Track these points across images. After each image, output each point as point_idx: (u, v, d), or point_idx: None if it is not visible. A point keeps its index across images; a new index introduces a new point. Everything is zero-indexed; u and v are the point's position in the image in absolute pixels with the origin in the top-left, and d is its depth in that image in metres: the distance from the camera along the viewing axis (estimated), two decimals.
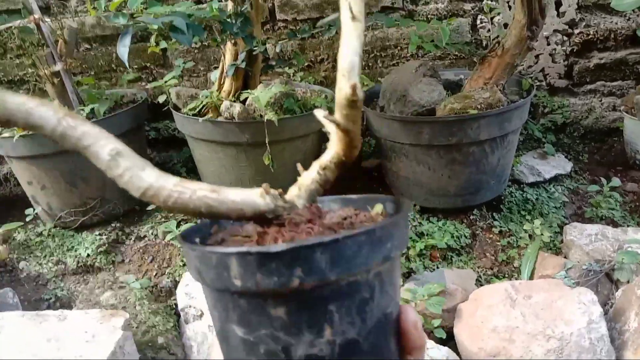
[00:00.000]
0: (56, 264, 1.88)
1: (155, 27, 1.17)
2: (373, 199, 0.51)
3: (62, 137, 0.40)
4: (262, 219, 0.44)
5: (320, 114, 0.45)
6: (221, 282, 0.38)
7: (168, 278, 1.80)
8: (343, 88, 0.41)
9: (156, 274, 1.84)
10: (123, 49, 1.10)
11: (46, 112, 0.40)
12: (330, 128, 0.44)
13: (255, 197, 0.43)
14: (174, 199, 0.41)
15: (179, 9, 1.27)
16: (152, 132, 2.50)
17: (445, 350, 1.36)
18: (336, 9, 2.24)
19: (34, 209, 2.00)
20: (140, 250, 1.94)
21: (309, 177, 0.46)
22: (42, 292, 1.80)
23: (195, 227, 0.47)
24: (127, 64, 1.17)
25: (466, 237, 1.84)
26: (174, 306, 1.71)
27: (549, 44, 2.30)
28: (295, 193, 0.46)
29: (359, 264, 0.38)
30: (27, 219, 2.00)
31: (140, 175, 0.41)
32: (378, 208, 0.50)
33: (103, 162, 0.41)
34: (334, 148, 0.44)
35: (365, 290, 0.40)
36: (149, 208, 2.04)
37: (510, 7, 2.25)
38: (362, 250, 0.38)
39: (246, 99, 1.78)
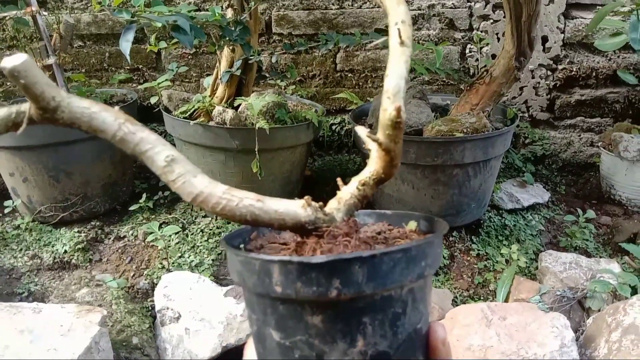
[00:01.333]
0: (32, 258, 1.85)
1: (159, 24, 1.18)
2: (407, 215, 0.53)
3: (122, 141, 0.43)
4: (302, 229, 0.46)
5: (362, 131, 0.48)
6: (262, 287, 0.41)
7: (146, 280, 1.78)
8: (388, 109, 0.43)
9: (134, 275, 1.82)
10: (126, 43, 1.11)
11: (108, 117, 0.43)
12: (371, 146, 0.47)
13: (297, 208, 0.46)
14: (222, 206, 0.44)
15: (182, 11, 1.29)
16: None
17: None
18: (331, 27, 2.29)
19: (14, 202, 1.97)
20: (119, 250, 1.92)
21: (348, 191, 0.48)
22: (15, 286, 1.76)
23: (236, 232, 0.50)
24: (128, 59, 1.18)
25: (445, 257, 1.87)
26: (150, 308, 1.69)
27: (533, 77, 2.38)
28: (335, 206, 0.48)
29: (394, 280, 0.40)
30: (6, 211, 1.97)
31: (192, 182, 0.44)
32: (412, 225, 0.52)
33: (159, 167, 0.43)
34: (374, 165, 0.47)
35: (398, 305, 0.42)
36: (131, 208, 2.03)
37: (499, 39, 2.33)
38: (397, 267, 0.40)
39: (238, 105, 1.80)
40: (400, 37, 0.45)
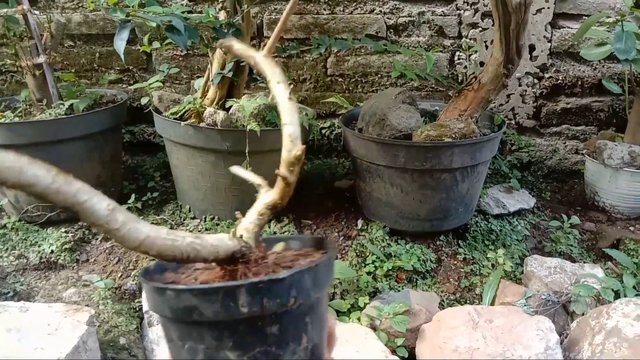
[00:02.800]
0: (17, 257, 1.83)
1: (154, 24, 1.19)
2: (275, 239, 0.60)
3: (57, 193, 0.41)
4: (231, 259, 0.51)
5: (244, 174, 0.59)
6: (226, 313, 0.44)
7: (133, 280, 1.77)
8: (293, 150, 0.53)
9: (121, 276, 1.81)
10: (120, 42, 1.12)
11: (39, 169, 0.40)
12: (260, 180, 0.57)
13: (226, 239, 0.51)
14: (167, 246, 0.46)
15: (176, 11, 1.30)
16: (127, 135, 2.49)
17: None
18: (322, 31, 2.31)
19: (0, 201, 1.95)
20: (106, 251, 1.91)
21: (250, 221, 0.55)
22: (0, 286, 1.74)
23: (151, 269, 0.53)
24: (123, 57, 1.19)
25: (432, 261, 1.88)
26: (137, 309, 1.69)
27: (520, 85, 2.42)
28: (246, 236, 0.53)
29: (323, 285, 0.49)
30: None
31: (138, 227, 0.44)
32: (279, 246, 0.59)
33: (101, 216, 0.43)
34: (272, 196, 0.55)
35: (323, 304, 0.51)
36: None
37: (487, 47, 2.36)
38: (326, 276, 0.49)
39: (230, 107, 1.81)
40: (289, 95, 0.56)
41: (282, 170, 0.53)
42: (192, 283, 0.51)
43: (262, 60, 0.59)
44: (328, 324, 0.54)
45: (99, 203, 0.43)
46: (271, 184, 0.57)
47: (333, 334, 0.55)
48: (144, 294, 1.41)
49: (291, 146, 0.53)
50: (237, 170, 0.59)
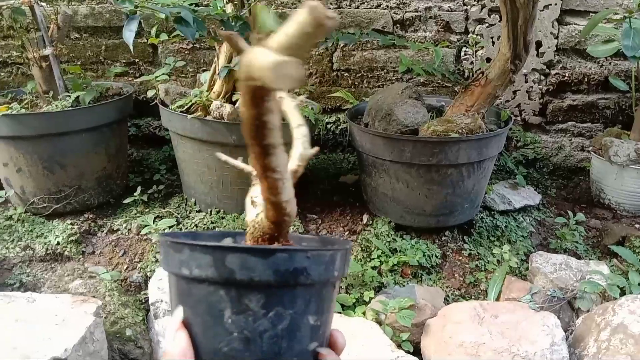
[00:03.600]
0: (24, 249, 1.83)
1: (163, 16, 1.18)
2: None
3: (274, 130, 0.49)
4: (278, 227, 0.57)
5: (231, 160, 0.69)
6: (326, 274, 0.50)
7: (139, 273, 1.78)
8: (308, 148, 0.63)
9: (127, 268, 1.82)
10: (129, 33, 1.12)
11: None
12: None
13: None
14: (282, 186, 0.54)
15: (184, 3, 1.29)
16: (132, 128, 2.49)
17: None
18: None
19: (6, 192, 1.95)
20: (112, 243, 1.91)
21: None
22: (7, 277, 1.75)
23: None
24: (132, 48, 1.19)
25: (437, 257, 1.88)
26: (143, 301, 1.69)
27: (526, 82, 2.42)
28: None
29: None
30: None
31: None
32: (227, 241, 0.64)
33: (282, 164, 0.54)
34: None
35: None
36: (125, 201, 2.03)
37: (493, 42, 2.36)
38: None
39: (236, 101, 1.81)
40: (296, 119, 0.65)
41: (296, 163, 0.60)
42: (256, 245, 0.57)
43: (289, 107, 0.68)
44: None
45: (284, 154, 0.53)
46: None
47: (336, 343, 0.55)
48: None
49: (307, 144, 0.61)
50: (225, 157, 0.64)
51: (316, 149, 0.61)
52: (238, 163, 0.65)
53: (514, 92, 2.43)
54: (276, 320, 0.47)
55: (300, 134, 0.61)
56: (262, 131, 0.45)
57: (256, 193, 0.60)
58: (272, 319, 0.47)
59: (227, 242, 0.62)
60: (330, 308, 0.53)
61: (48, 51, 1.92)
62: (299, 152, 0.61)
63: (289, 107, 0.64)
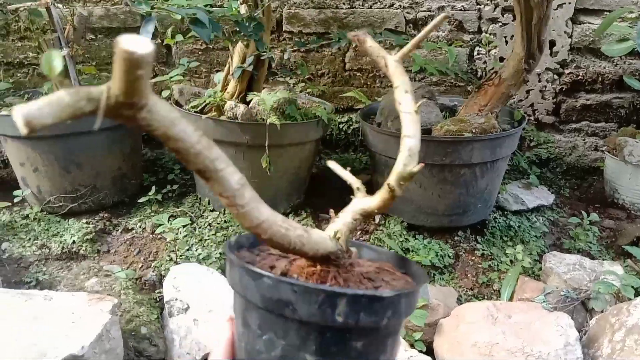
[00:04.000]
0: (40, 247, 1.86)
1: (179, 17, 1.20)
2: (356, 244, 0.58)
3: (197, 154, 0.41)
4: (327, 259, 0.50)
5: (340, 170, 0.57)
6: (321, 316, 0.43)
7: (154, 272, 1.79)
8: (409, 165, 0.52)
9: (141, 267, 1.84)
10: (146, 34, 1.13)
11: (188, 126, 0.41)
12: (359, 183, 0.55)
13: (327, 239, 0.50)
14: (281, 234, 0.46)
15: (199, 5, 1.31)
16: None
17: None
18: (341, 26, 2.31)
19: (23, 191, 1.98)
20: (127, 242, 1.93)
21: (344, 223, 0.53)
22: (23, 275, 1.78)
23: (232, 244, 0.53)
24: None
25: (450, 256, 1.88)
26: (158, 299, 1.71)
27: (540, 81, 2.40)
28: (343, 239, 0.52)
29: (409, 312, 0.49)
30: (15, 201, 1.98)
31: (260, 209, 0.45)
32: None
33: (230, 189, 0.43)
34: (372, 204, 0.53)
35: (399, 329, 0.51)
36: (140, 201, 2.05)
37: (507, 42, 2.35)
38: (413, 301, 0.49)
39: (249, 101, 1.82)
40: (415, 108, 0.54)
41: (393, 181, 0.51)
42: (268, 269, 0.51)
43: (393, 64, 0.57)
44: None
45: (232, 175, 0.43)
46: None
47: None
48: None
49: (409, 160, 0.52)
50: (335, 166, 0.57)
51: (420, 166, 0.52)
52: (345, 173, 0.58)
53: (528, 92, 2.42)
54: None
55: (404, 146, 0.53)
56: (186, 156, 0.42)
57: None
58: None
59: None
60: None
61: (64, 52, 1.94)
62: (397, 169, 0.52)
63: (407, 107, 0.55)
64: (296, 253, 0.49)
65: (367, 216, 0.53)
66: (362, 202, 0.53)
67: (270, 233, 0.46)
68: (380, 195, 0.52)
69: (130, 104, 0.37)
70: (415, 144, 0.52)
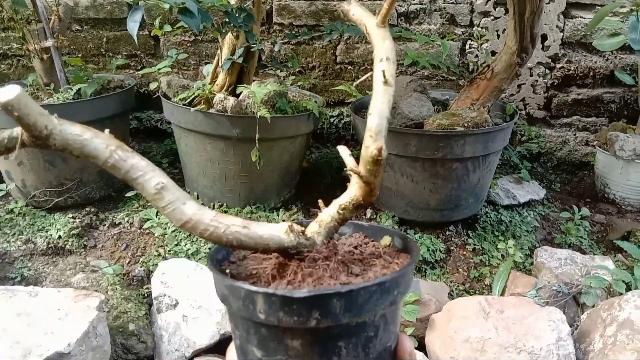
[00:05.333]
0: (25, 243, 1.82)
1: (167, 6, 1.17)
2: (381, 229, 0.57)
3: (113, 167, 0.45)
4: (285, 252, 0.49)
5: (345, 154, 0.50)
6: (247, 312, 0.44)
7: (142, 267, 1.76)
8: (370, 147, 0.46)
9: (129, 262, 1.81)
10: (133, 24, 1.10)
11: (100, 144, 0.44)
12: (353, 175, 0.50)
13: (280, 233, 0.48)
14: (210, 232, 0.46)
15: None
16: (134, 121, 2.47)
17: (421, 355, 1.38)
18: (332, 18, 2.29)
19: (7, 185, 1.94)
20: (114, 237, 1.90)
21: (328, 214, 0.50)
22: (8, 271, 1.74)
23: (220, 246, 0.51)
24: (135, 39, 1.17)
25: (441, 251, 1.87)
26: (145, 295, 1.68)
27: (531, 75, 2.40)
28: (316, 230, 0.50)
29: (369, 309, 0.44)
30: None
31: (182, 209, 0.46)
32: (386, 240, 0.56)
33: (149, 194, 0.45)
34: (354, 192, 0.49)
35: (371, 329, 0.45)
36: (127, 195, 2.01)
37: (499, 36, 2.34)
38: (372, 298, 0.43)
39: (239, 94, 1.79)
40: (384, 76, 0.47)
41: (360, 167, 0.47)
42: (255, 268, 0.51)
43: (373, 29, 0.51)
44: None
45: (149, 181, 0.45)
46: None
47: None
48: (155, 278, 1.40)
49: (369, 142, 0.46)
50: (342, 149, 0.52)
51: (376, 147, 0.46)
52: (349, 159, 0.51)
53: (519, 86, 2.42)
54: None
55: (368, 124, 0.47)
56: (105, 168, 0.46)
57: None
58: None
59: None
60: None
61: (49, 43, 1.90)
62: (362, 152, 0.47)
63: (377, 78, 0.48)
64: (243, 249, 0.49)
65: (355, 205, 0.50)
66: (347, 192, 0.51)
67: (200, 231, 0.46)
68: (357, 184, 0.49)
69: (36, 137, 0.43)
70: (377, 122, 0.46)
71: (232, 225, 0.47)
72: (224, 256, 0.53)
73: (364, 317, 0.44)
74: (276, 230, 0.48)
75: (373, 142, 0.46)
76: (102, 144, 0.45)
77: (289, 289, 0.46)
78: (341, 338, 0.44)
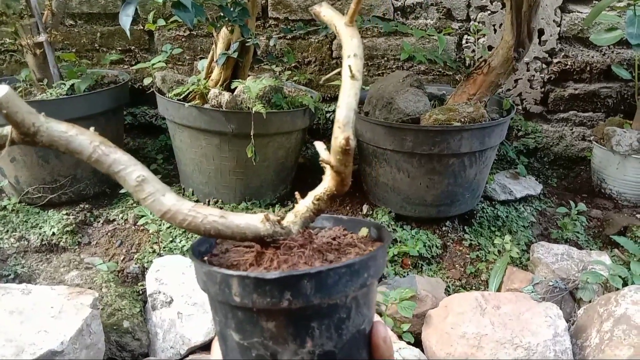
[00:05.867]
0: (18, 240, 1.80)
1: (161, 0, 1.15)
2: (360, 222, 0.59)
3: (97, 162, 0.47)
4: (262, 241, 0.51)
5: (320, 148, 0.53)
6: (223, 297, 0.46)
7: (136, 264, 1.75)
8: (338, 138, 0.49)
9: (124, 259, 1.79)
10: (126, 18, 1.08)
11: (84, 140, 0.47)
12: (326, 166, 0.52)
13: (257, 222, 0.50)
14: (188, 222, 0.49)
15: None
16: (128, 117, 2.45)
17: (417, 352, 1.37)
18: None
19: (0, 182, 1.92)
20: (109, 234, 1.89)
21: (304, 205, 0.53)
22: (1, 268, 1.72)
23: (203, 238, 0.54)
24: (128, 34, 1.15)
25: (437, 247, 1.87)
26: (140, 292, 1.67)
27: (528, 70, 2.39)
28: (292, 219, 0.53)
29: (339, 290, 0.45)
30: None
31: (161, 200, 0.48)
32: (364, 232, 0.58)
33: (130, 186, 0.48)
34: (327, 183, 0.52)
35: (342, 311, 0.47)
36: (121, 191, 2.00)
37: (495, 30, 2.32)
38: (342, 280, 0.45)
39: (234, 89, 1.77)
40: (351, 71, 0.50)
41: (331, 157, 0.50)
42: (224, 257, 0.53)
43: (342, 28, 0.55)
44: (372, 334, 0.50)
45: (130, 174, 0.48)
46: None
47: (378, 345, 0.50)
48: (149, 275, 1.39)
49: (338, 132, 0.49)
50: (317, 144, 0.55)
51: (344, 138, 0.48)
52: (322, 151, 0.54)
53: (516, 81, 2.41)
54: None
55: (336, 116, 0.49)
56: (89, 163, 0.49)
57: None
58: None
59: None
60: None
61: (42, 38, 1.88)
62: (332, 142, 0.50)
63: (345, 72, 0.51)
64: (221, 238, 0.51)
65: (329, 196, 0.52)
66: (322, 184, 0.53)
67: (179, 221, 0.48)
68: (329, 174, 0.52)
69: (24, 134, 0.45)
70: (345, 114, 0.49)
71: (210, 215, 0.49)
72: (207, 249, 0.55)
73: (335, 298, 0.45)
74: (252, 219, 0.51)
75: (341, 132, 0.48)
76: (86, 140, 0.47)
77: (263, 272, 0.47)
78: (314, 319, 0.45)
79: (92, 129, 0.49)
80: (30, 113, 0.45)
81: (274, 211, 1.93)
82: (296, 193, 0.55)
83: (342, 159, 0.49)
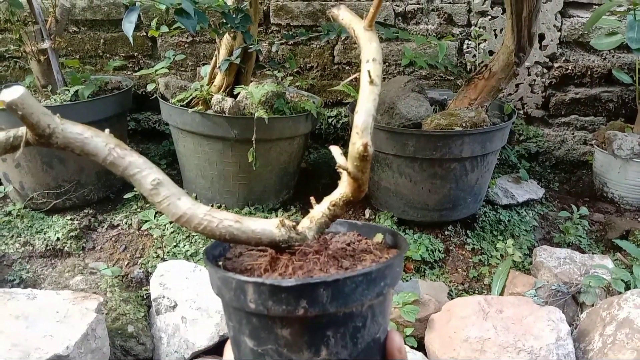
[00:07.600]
0: (23, 245, 1.82)
1: (163, 7, 1.16)
2: (374, 227, 0.59)
3: (112, 164, 0.47)
4: (277, 246, 0.51)
5: (337, 154, 0.52)
6: (238, 303, 0.45)
7: (140, 269, 1.76)
8: (356, 144, 0.48)
9: (128, 264, 1.80)
10: (129, 25, 1.10)
11: (100, 142, 0.47)
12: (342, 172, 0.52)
13: (272, 227, 0.50)
14: (204, 226, 0.48)
15: None
16: (131, 122, 2.46)
17: (420, 356, 1.38)
18: (330, 19, 2.28)
19: (5, 188, 1.93)
20: (113, 239, 1.90)
21: (320, 211, 0.52)
22: (6, 273, 1.73)
23: (216, 242, 0.54)
24: (131, 40, 1.17)
25: (440, 251, 1.87)
26: (144, 297, 1.68)
27: (529, 75, 2.40)
28: (307, 225, 0.52)
29: (355, 299, 0.45)
30: None
31: (177, 204, 0.48)
32: (379, 237, 0.57)
33: (146, 189, 0.48)
34: (343, 188, 0.51)
35: (358, 320, 0.46)
36: (125, 197, 2.01)
37: (496, 35, 2.34)
38: (358, 289, 0.45)
39: (237, 95, 1.78)
40: (370, 76, 0.49)
41: (348, 164, 0.49)
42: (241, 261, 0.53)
43: (361, 32, 0.53)
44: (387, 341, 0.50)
45: (146, 178, 0.47)
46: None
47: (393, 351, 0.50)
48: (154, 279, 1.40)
49: (356, 138, 0.48)
50: (334, 149, 0.53)
51: (362, 143, 0.47)
52: (339, 157, 0.53)
53: (517, 86, 2.42)
54: None
55: (355, 121, 0.49)
56: (104, 165, 0.49)
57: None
58: None
59: None
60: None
61: (46, 44, 1.89)
62: (349, 148, 0.49)
63: (364, 78, 0.50)
64: (236, 243, 0.51)
65: (345, 202, 0.51)
66: (338, 189, 0.53)
67: (195, 225, 0.48)
68: (345, 180, 0.51)
69: (39, 135, 0.45)
70: (364, 119, 0.48)
71: (225, 219, 0.49)
72: (221, 253, 0.55)
73: (351, 307, 0.45)
74: (268, 224, 0.50)
75: (359, 138, 0.48)
76: (102, 142, 0.46)
77: (279, 279, 0.47)
78: (329, 327, 0.45)
79: (107, 130, 0.48)
80: (45, 114, 0.45)
81: (276, 216, 1.93)
82: (311, 198, 0.54)
83: (359, 165, 0.48)
